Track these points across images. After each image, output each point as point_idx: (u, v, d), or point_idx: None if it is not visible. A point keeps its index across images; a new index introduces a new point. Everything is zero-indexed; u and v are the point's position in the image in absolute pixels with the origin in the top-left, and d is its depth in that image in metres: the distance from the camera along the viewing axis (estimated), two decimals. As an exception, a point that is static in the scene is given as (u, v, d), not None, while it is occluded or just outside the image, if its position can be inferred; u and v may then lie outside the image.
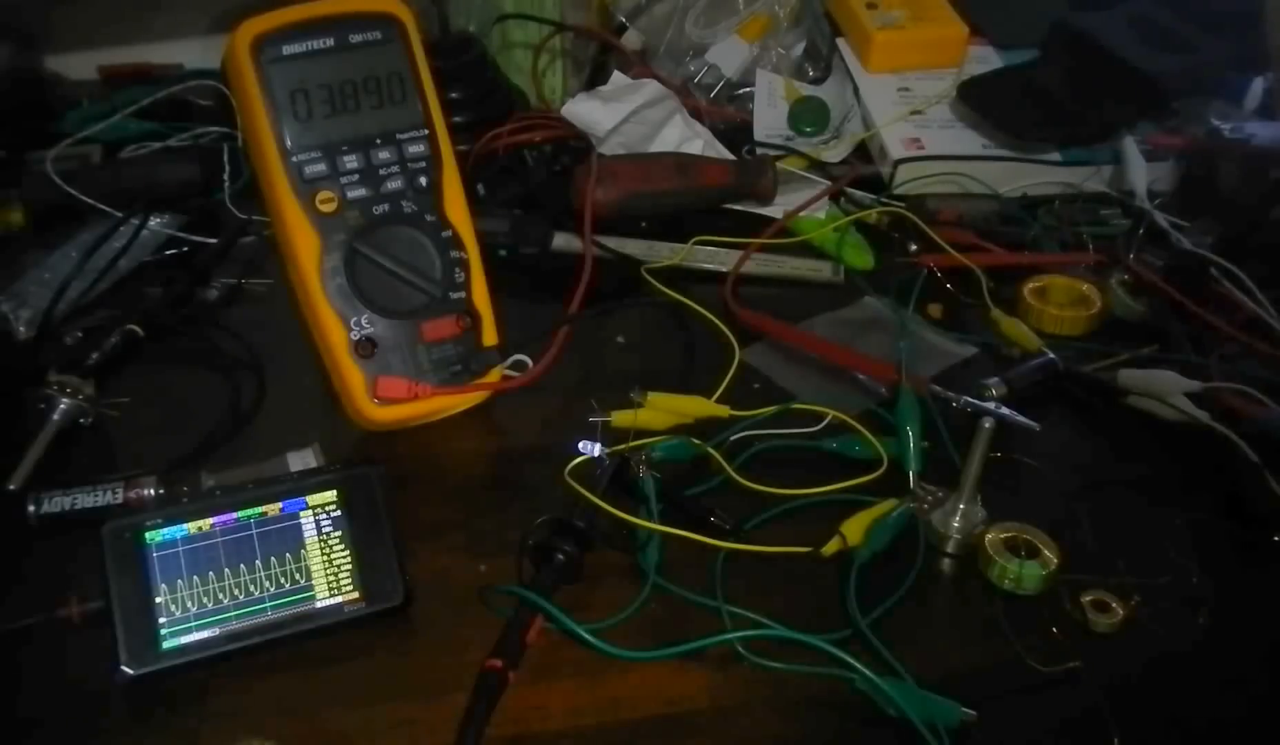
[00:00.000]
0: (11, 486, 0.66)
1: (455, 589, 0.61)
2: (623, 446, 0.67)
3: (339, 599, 0.59)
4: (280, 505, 0.60)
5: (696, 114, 1.02)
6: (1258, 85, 0.97)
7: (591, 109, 0.99)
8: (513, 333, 0.73)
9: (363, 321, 0.68)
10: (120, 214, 0.86)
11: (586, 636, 0.57)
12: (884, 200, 0.93)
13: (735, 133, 1.02)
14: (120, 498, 0.64)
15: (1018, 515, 0.65)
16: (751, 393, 0.75)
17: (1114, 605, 0.61)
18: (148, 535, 0.58)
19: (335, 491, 0.61)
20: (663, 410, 0.71)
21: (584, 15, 1.12)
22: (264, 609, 0.58)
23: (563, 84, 1.13)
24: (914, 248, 0.89)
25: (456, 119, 0.91)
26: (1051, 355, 0.76)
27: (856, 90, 1.03)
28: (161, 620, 0.56)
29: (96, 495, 0.64)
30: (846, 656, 0.55)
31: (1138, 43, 1.01)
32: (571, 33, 1.11)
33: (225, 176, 0.93)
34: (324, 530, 0.60)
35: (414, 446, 0.71)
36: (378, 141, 0.69)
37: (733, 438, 0.71)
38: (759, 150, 1.00)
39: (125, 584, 0.56)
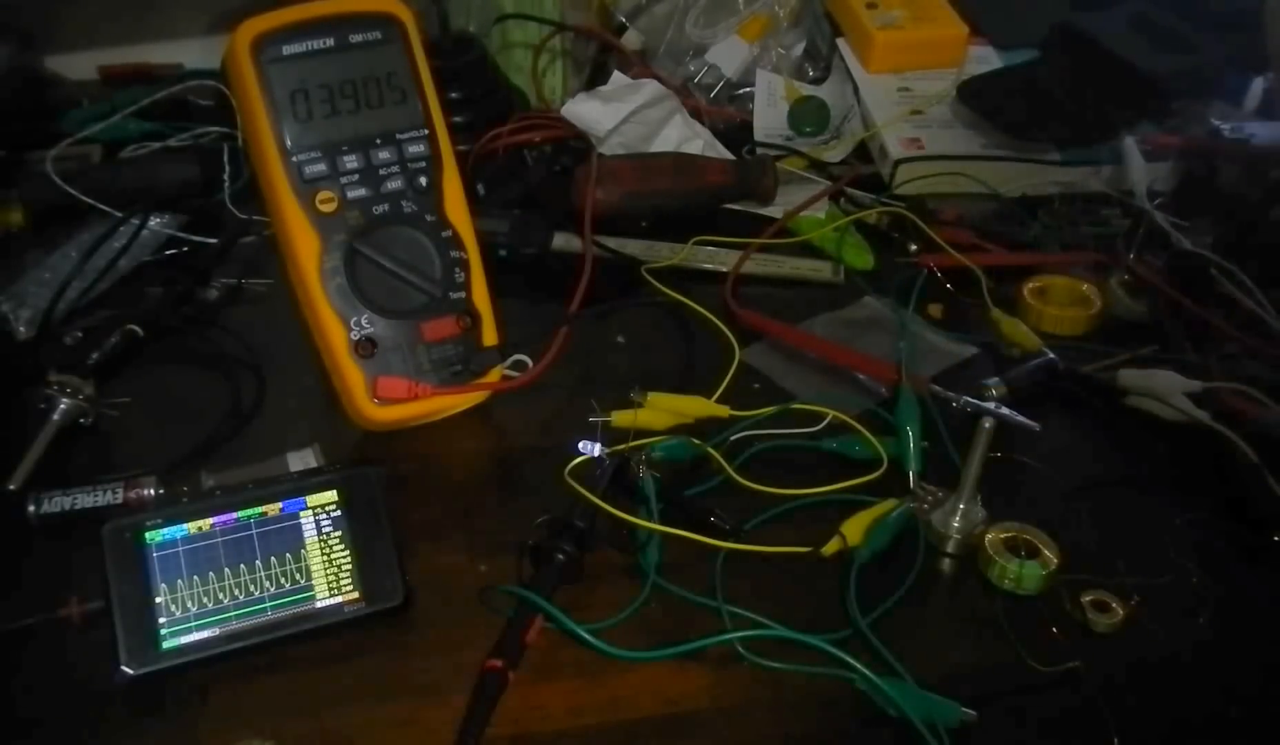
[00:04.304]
0: (11, 486, 0.66)
1: (455, 589, 0.61)
2: (623, 446, 0.67)
3: (339, 599, 0.59)
4: (280, 505, 0.60)
5: (696, 114, 1.02)
6: (1258, 85, 0.97)
7: (591, 109, 0.99)
8: (513, 333, 0.73)
9: (363, 321, 0.68)
10: (120, 214, 0.86)
11: (586, 636, 0.57)
12: (884, 200, 0.93)
13: (735, 133, 1.02)
14: (120, 498, 0.64)
15: (1018, 515, 0.65)
16: (751, 393, 0.75)
17: (1114, 605, 0.61)
18: (148, 535, 0.58)
19: (335, 491, 0.61)
20: (663, 410, 0.71)
21: (584, 15, 1.11)
22: (264, 609, 0.58)
23: (563, 84, 1.12)
24: (914, 248, 0.88)
25: (456, 119, 0.91)
26: (1051, 355, 0.76)
27: (856, 90, 1.03)
28: (161, 620, 0.56)
29: (96, 495, 0.64)
30: (846, 656, 0.55)
31: (1138, 43, 1.01)
32: (571, 33, 1.11)
33: (225, 176, 0.93)
34: (324, 530, 0.60)
35: (414, 446, 0.71)
36: (378, 141, 0.69)
37: (733, 438, 0.71)
38: (759, 150, 1.00)
39: (125, 584, 0.56)
